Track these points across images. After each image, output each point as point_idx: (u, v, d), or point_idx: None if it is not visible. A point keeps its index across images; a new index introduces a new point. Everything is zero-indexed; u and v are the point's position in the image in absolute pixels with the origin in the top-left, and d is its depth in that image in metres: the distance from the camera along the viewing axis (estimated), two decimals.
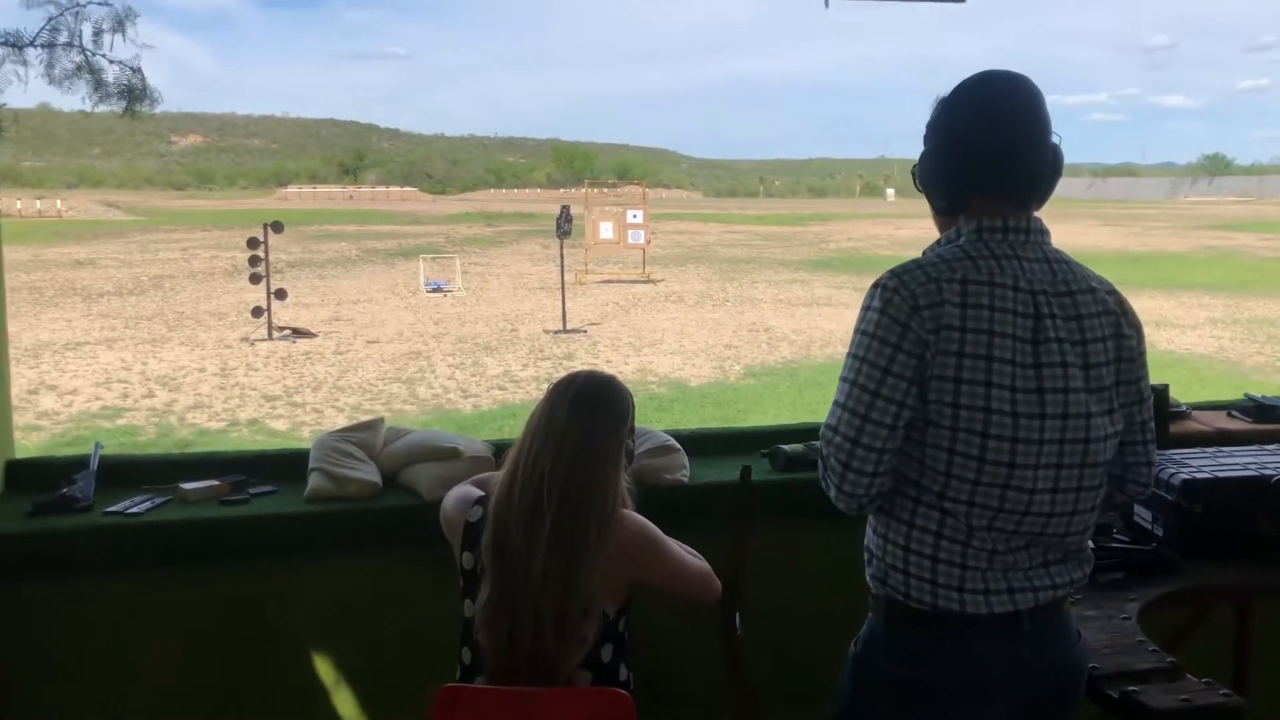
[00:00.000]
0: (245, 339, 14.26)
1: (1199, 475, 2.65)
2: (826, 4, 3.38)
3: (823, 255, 31.92)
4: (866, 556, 1.91)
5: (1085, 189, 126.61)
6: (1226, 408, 3.68)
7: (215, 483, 2.92)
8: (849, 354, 1.79)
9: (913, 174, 1.94)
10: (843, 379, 1.78)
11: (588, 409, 2.27)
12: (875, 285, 1.77)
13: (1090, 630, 2.10)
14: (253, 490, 2.94)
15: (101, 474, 2.94)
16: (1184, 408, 3.56)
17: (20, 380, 11.50)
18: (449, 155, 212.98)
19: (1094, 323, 1.79)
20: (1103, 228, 46.32)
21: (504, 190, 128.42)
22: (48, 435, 9.19)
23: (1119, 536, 2.69)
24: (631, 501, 2.34)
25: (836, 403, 1.79)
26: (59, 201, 58.47)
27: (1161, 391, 3.19)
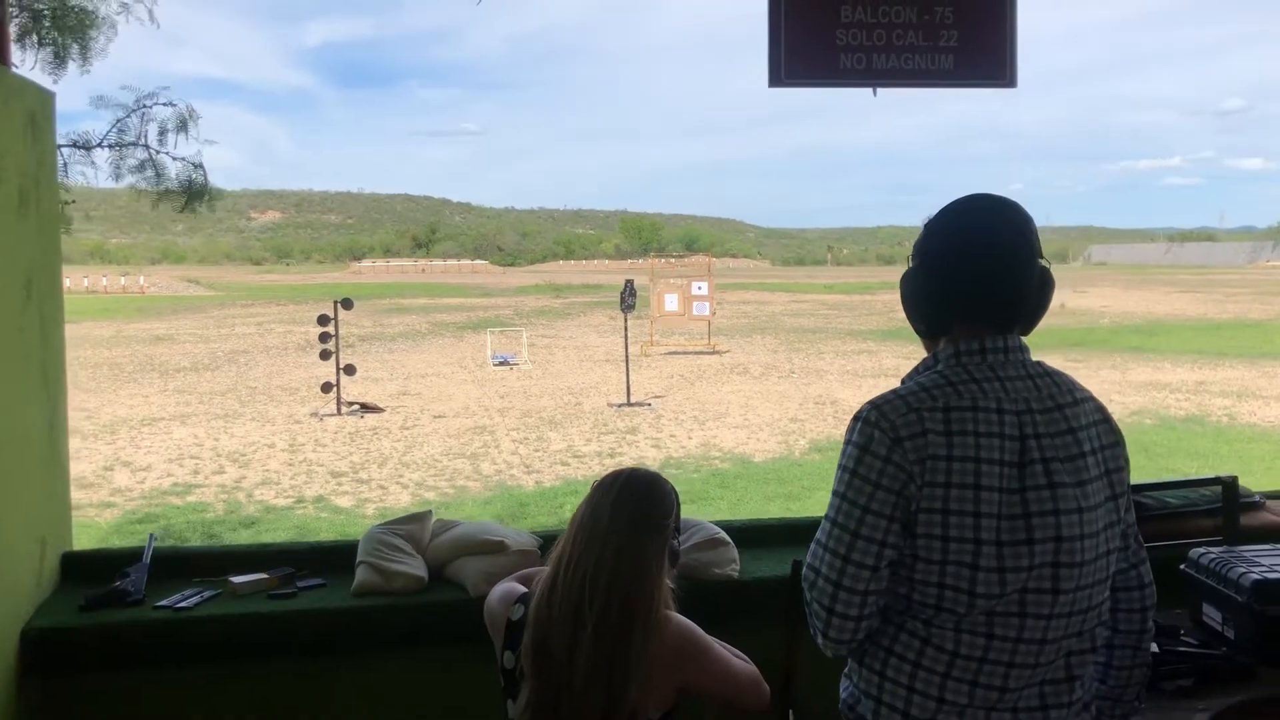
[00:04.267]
0: (315, 414, 14.47)
1: (1271, 575, 2.53)
2: (874, 93, 3.38)
3: (891, 324, 31.64)
4: (843, 682, 1.85)
5: (1162, 255, 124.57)
6: None
7: (264, 576, 2.94)
8: (832, 490, 1.75)
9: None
10: (826, 517, 1.74)
11: (631, 509, 2.24)
12: (855, 418, 1.73)
13: None
14: (301, 584, 2.95)
15: (154, 566, 2.97)
16: (1257, 498, 3.42)
17: (97, 457, 11.79)
18: (519, 228, 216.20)
19: (1087, 434, 1.74)
20: (1180, 294, 45.42)
21: (572, 262, 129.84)
22: (119, 512, 9.35)
23: (1186, 639, 2.57)
24: (674, 603, 2.30)
25: (818, 541, 1.75)
26: (142, 278, 60.46)
27: (1230, 483, 3.08)
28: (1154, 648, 2.54)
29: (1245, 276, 70.13)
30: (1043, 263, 1.82)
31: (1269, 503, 3.45)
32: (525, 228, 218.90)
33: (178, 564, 3.06)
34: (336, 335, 14.72)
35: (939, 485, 1.64)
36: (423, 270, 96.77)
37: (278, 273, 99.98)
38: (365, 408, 14.85)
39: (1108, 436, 1.80)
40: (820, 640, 1.76)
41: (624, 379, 16.01)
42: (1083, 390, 1.82)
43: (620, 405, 15.10)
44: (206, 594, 2.86)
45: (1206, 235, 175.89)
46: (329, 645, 2.82)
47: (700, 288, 23.85)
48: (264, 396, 16.66)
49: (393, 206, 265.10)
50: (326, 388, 14.62)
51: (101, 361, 21.75)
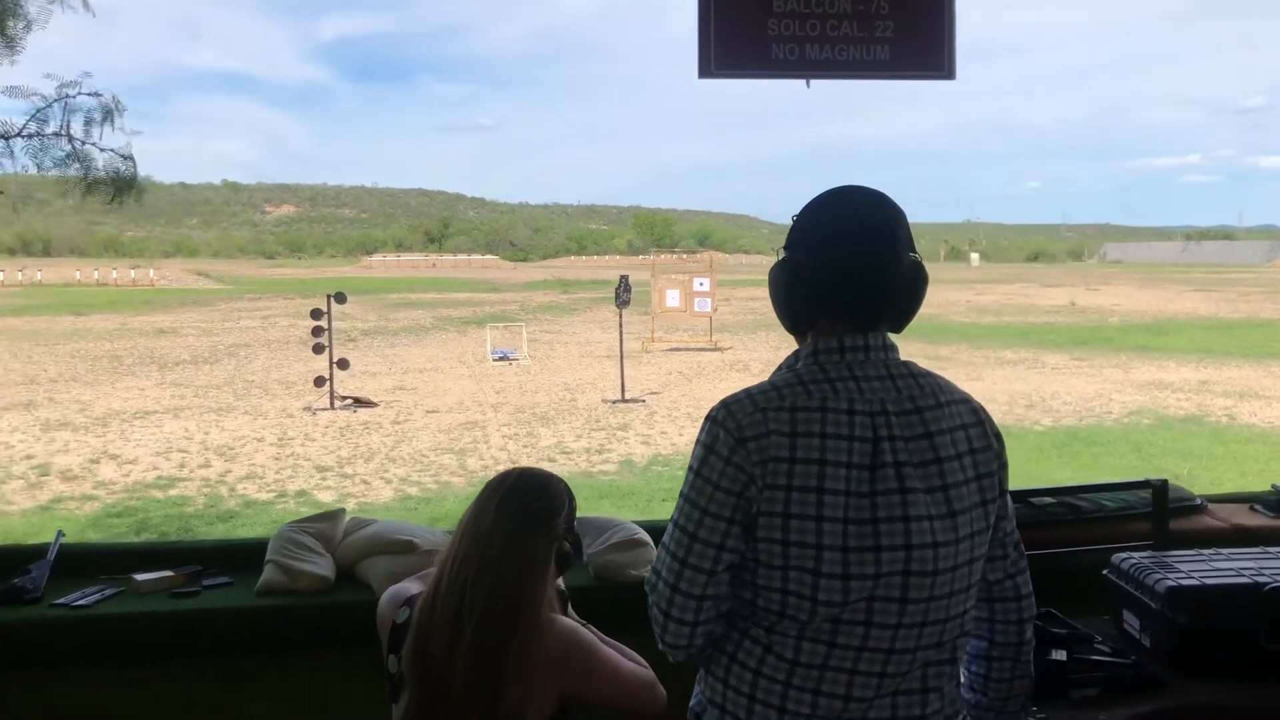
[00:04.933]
0: (308, 409, 14.46)
1: (1186, 582, 2.46)
2: (808, 84, 3.30)
3: None
4: (695, 689, 1.79)
5: (1178, 253, 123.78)
6: (1252, 499, 3.45)
7: (169, 573, 2.89)
8: (680, 493, 1.68)
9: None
10: (671, 520, 1.68)
11: (516, 509, 2.18)
12: (706, 417, 1.67)
13: None
14: (207, 582, 2.90)
15: (60, 564, 2.92)
16: (1199, 501, 3.33)
17: (85, 449, 11.80)
18: (532, 223, 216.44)
19: (947, 439, 1.65)
20: (1193, 293, 45.05)
21: (584, 257, 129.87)
22: (99, 505, 9.34)
23: (1100, 647, 2.50)
24: (560, 605, 2.24)
25: (662, 544, 1.68)
26: (152, 271, 60.65)
27: (1160, 487, 3.00)
28: (1063, 655, 2.49)
29: (1261, 276, 69.61)
30: (913, 257, 1.75)
31: (1212, 506, 3.37)
32: (538, 223, 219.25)
33: (85, 561, 3.01)
34: (330, 329, 14.71)
35: (780, 488, 1.58)
36: (433, 265, 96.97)
37: (289, 267, 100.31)
38: (358, 402, 14.83)
39: (979, 440, 1.71)
40: (660, 646, 1.70)
41: (626, 375, 15.96)
42: (953, 393, 1.74)
43: (615, 401, 15.03)
44: (108, 592, 2.81)
45: (1225, 234, 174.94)
46: (231, 644, 2.76)
47: (702, 284, 23.74)
48: (260, 390, 16.67)
49: (407, 201, 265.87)
50: (319, 382, 14.61)
51: (102, 354, 21.81)
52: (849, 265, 1.69)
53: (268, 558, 2.88)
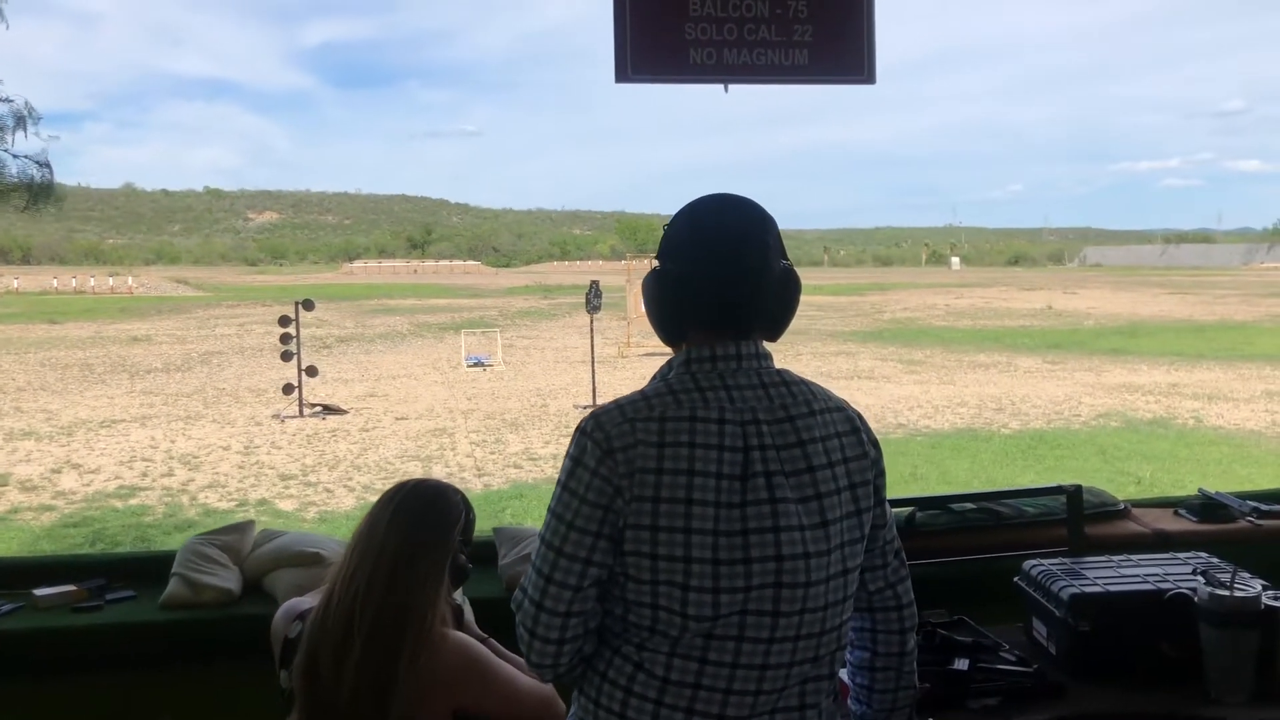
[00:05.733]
0: (276, 416, 14.37)
1: (1090, 589, 2.43)
2: (725, 89, 3.28)
3: (875, 326, 31.60)
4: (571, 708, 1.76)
5: (1157, 256, 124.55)
6: (1177, 504, 3.44)
7: (71, 588, 2.84)
8: (548, 508, 1.65)
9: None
10: (538, 536, 1.64)
11: (410, 521, 2.15)
12: (576, 429, 1.63)
13: None
14: (111, 596, 2.86)
15: None
16: (1121, 505, 3.32)
17: (47, 459, 11.70)
18: (515, 229, 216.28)
19: (820, 448, 1.62)
20: (1170, 296, 45.29)
21: (567, 262, 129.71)
22: (57, 516, 9.25)
23: (1006, 655, 2.48)
24: (454, 619, 2.21)
25: (530, 561, 1.65)
26: (130, 278, 60.31)
27: (1074, 492, 2.98)
28: (965, 665, 2.47)
29: (1237, 278, 70.05)
30: (785, 264, 1.72)
31: (1136, 510, 3.36)
32: (522, 229, 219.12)
33: None
34: (298, 336, 14.63)
35: (647, 500, 1.54)
36: (414, 271, 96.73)
37: (270, 273, 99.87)
38: (328, 409, 14.76)
39: (854, 448, 1.68)
40: (529, 666, 1.66)
41: (597, 380, 15.93)
42: (828, 400, 1.71)
43: (586, 407, 15.00)
44: (6, 608, 2.76)
45: (1204, 236, 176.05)
46: (134, 659, 2.72)
47: None
48: (230, 398, 16.57)
49: (390, 207, 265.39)
50: (288, 389, 14.52)
51: (73, 362, 21.66)
52: (715, 272, 1.66)
53: (173, 570, 2.84)
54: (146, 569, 2.99)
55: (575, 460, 1.60)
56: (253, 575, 2.90)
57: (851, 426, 1.70)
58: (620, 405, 1.63)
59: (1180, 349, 23.36)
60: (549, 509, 1.64)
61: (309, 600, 2.25)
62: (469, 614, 2.40)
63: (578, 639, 1.61)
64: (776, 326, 1.73)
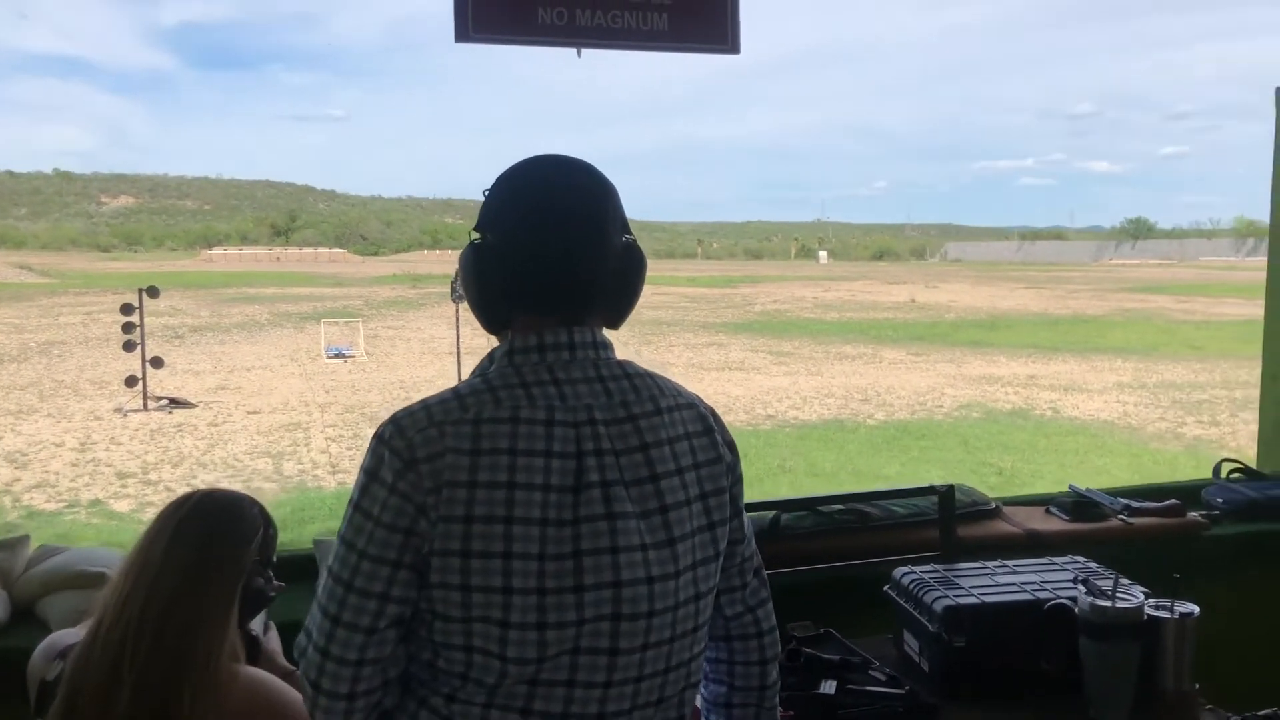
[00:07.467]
0: (119, 410, 13.56)
1: (964, 600, 2.24)
2: (579, 54, 3.00)
3: (746, 318, 31.82)
4: None
5: (1014, 252, 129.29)
6: (1047, 502, 3.30)
7: None
8: (338, 533, 1.35)
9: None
10: (326, 568, 1.34)
11: (193, 539, 1.82)
12: (374, 436, 1.33)
13: None
14: None
15: None
16: (992, 504, 3.16)
17: None
18: (384, 217, 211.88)
19: (666, 451, 1.36)
20: (1026, 290, 46.94)
21: (438, 251, 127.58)
22: None
23: (875, 674, 2.27)
24: (246, 653, 1.88)
25: (315, 598, 1.34)
26: None
27: (946, 493, 2.80)
28: (832, 688, 2.25)
29: (1088, 274, 73.13)
30: (628, 239, 1.45)
31: (1007, 509, 3.21)
32: (391, 216, 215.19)
33: None
34: (142, 325, 13.83)
35: (458, 520, 1.25)
36: (277, 259, 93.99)
37: (124, 260, 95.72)
38: (174, 403, 14.01)
39: (707, 452, 1.42)
40: None
41: (462, 372, 15.51)
42: (678, 396, 1.44)
43: None
44: None
45: (1057, 234, 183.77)
46: None
47: None
48: (69, 391, 15.63)
49: (253, 193, 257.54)
50: (131, 381, 13.72)
51: None
52: (541, 246, 1.38)
53: None
54: None
55: (370, 474, 1.30)
56: (24, 599, 2.50)
57: (704, 426, 1.44)
58: (427, 406, 1.33)
59: (1037, 341, 24.12)
60: (338, 534, 1.33)
61: (75, 634, 1.90)
62: (275, 644, 2.08)
63: (373, 691, 1.31)
64: (618, 311, 1.46)
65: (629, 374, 1.40)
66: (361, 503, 1.30)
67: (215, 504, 1.90)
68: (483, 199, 1.47)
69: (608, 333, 1.48)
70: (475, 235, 1.45)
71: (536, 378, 1.34)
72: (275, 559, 2.04)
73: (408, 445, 1.28)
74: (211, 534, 1.83)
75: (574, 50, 3.03)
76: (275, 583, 1.96)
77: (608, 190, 1.43)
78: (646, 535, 1.32)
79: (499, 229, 1.41)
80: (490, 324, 1.45)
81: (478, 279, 1.42)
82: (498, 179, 1.45)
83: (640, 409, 1.37)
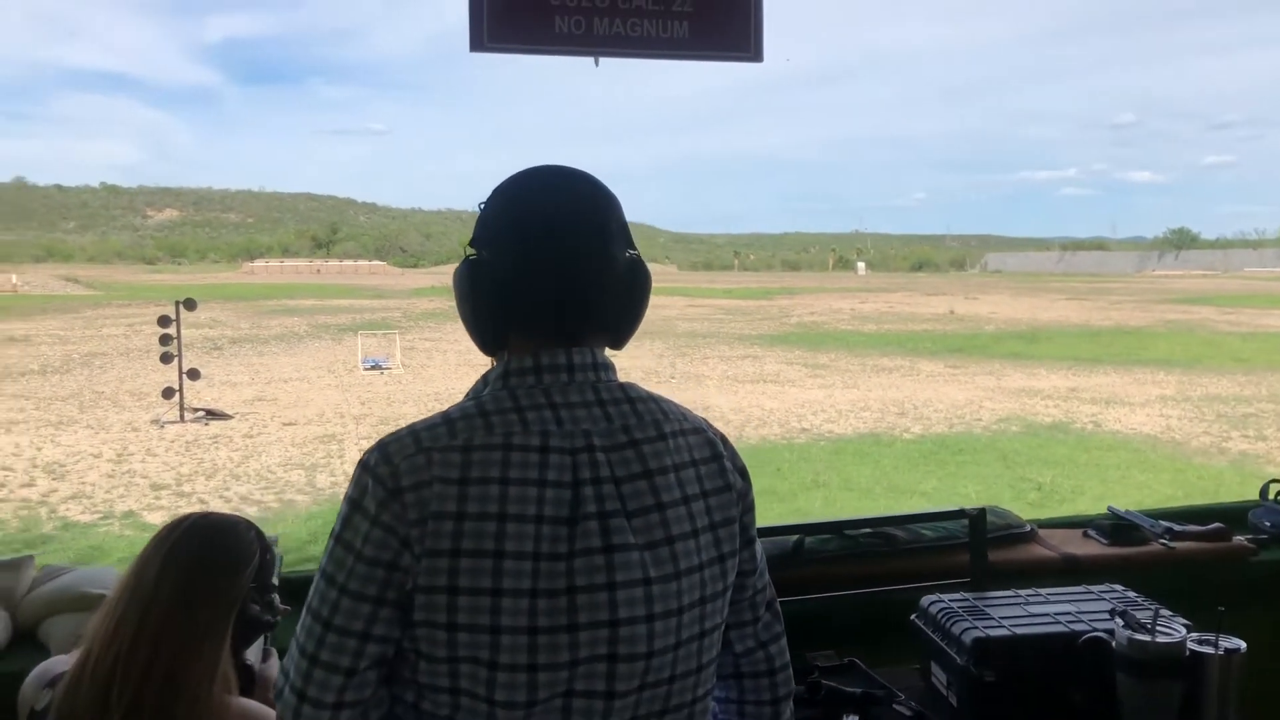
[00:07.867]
0: (156, 421, 13.66)
1: (995, 632, 2.13)
2: (596, 63, 2.93)
3: (782, 330, 31.62)
4: None
5: (1055, 263, 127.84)
6: (1085, 524, 3.17)
7: None
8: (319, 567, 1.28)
9: None
10: (305, 604, 1.27)
11: (186, 565, 1.77)
12: (358, 463, 1.26)
13: None
14: None
15: None
16: (1028, 528, 3.04)
17: None
18: (424, 229, 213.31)
19: (672, 479, 1.28)
20: (1069, 302, 46.31)
21: None
22: None
23: (899, 708, 2.16)
24: (240, 683, 1.82)
25: (294, 636, 1.27)
26: (14, 276, 57.78)
27: (977, 516, 2.69)
28: None
29: (1131, 285, 72.11)
30: (631, 254, 1.37)
31: (1043, 532, 3.08)
32: (430, 228, 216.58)
33: None
34: (179, 337, 13.93)
35: (444, 554, 1.17)
36: (318, 271, 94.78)
37: (168, 272, 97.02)
38: (211, 414, 14.08)
39: (715, 479, 1.33)
40: None
41: None
42: (684, 420, 1.36)
43: None
44: None
45: (1099, 244, 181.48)
46: None
47: None
48: (108, 402, 15.77)
49: (295, 205, 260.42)
50: (168, 393, 13.80)
51: None
52: (538, 262, 1.30)
53: None
54: None
55: (353, 504, 1.23)
56: (27, 621, 2.46)
57: (713, 452, 1.35)
58: (415, 431, 1.25)
59: (1078, 354, 23.74)
60: (319, 568, 1.26)
61: (66, 662, 1.85)
62: (274, 672, 2.01)
63: None
64: (620, 330, 1.38)
65: (631, 398, 1.32)
66: (343, 534, 1.22)
67: (209, 528, 1.85)
68: (478, 211, 1.40)
69: (610, 353, 1.41)
70: (470, 251, 1.38)
71: (532, 401, 1.26)
72: (278, 582, 1.98)
73: (392, 473, 1.20)
74: (203, 559, 1.78)
75: (593, 60, 2.97)
76: (279, 607, 1.90)
77: (610, 202, 1.36)
78: (651, 568, 1.23)
79: (494, 244, 1.33)
80: (485, 344, 1.37)
81: (471, 297, 1.34)
82: (494, 191, 1.38)
83: (643, 434, 1.29)
